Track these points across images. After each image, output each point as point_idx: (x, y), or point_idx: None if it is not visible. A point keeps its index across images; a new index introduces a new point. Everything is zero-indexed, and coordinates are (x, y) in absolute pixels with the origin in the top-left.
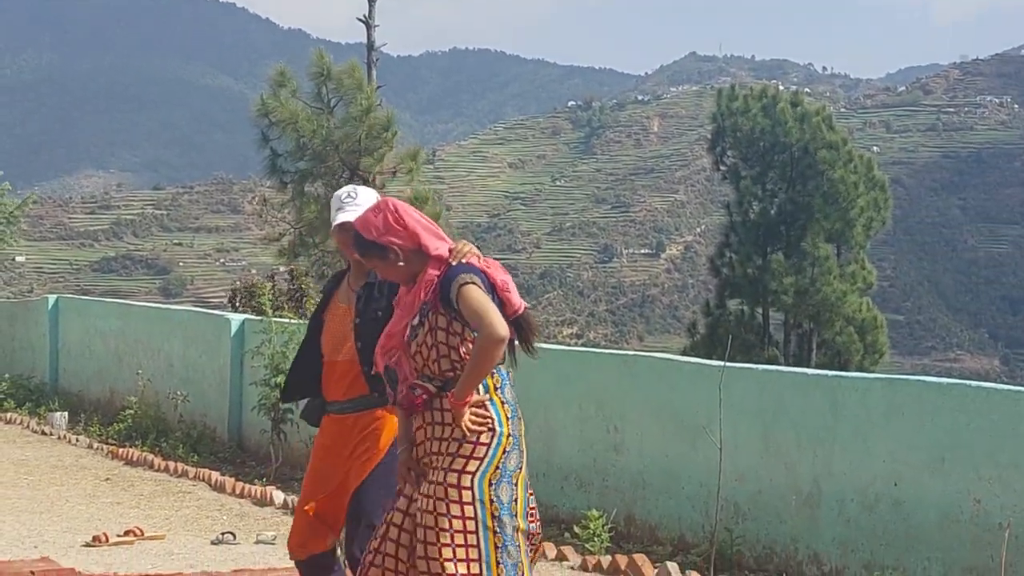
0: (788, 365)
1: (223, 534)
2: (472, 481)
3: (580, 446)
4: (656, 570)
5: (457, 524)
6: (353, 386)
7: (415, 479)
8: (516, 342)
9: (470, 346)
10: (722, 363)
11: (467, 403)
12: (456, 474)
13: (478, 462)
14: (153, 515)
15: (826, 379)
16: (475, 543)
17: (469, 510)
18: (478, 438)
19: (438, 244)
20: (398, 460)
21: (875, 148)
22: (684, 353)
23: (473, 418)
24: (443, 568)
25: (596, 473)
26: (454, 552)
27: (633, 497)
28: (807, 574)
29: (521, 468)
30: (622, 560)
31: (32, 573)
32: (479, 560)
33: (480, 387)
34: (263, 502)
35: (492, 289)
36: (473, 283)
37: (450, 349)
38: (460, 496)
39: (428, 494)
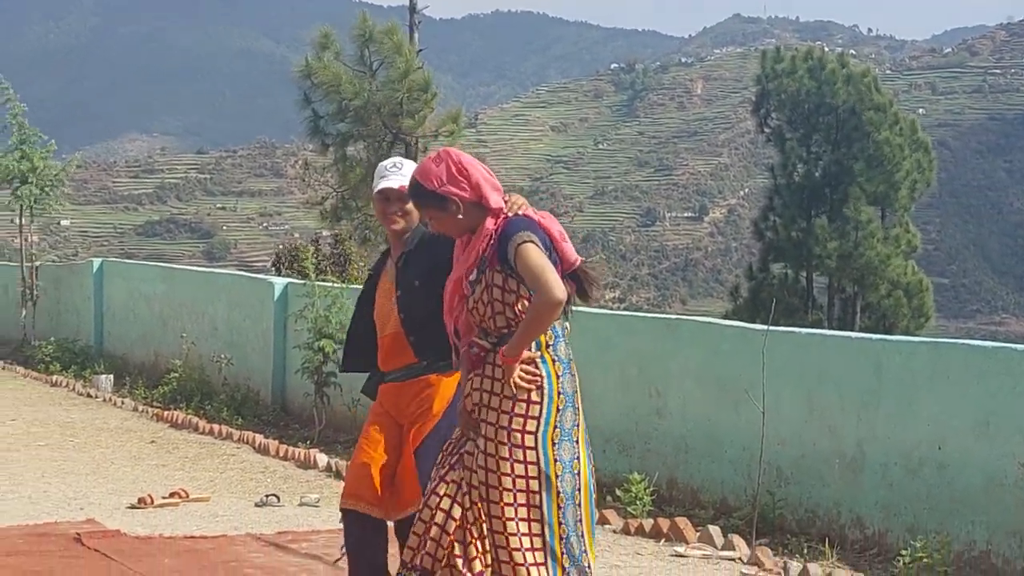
0: (832, 329)
1: (267, 496)
2: (535, 441)
3: (622, 410)
4: (698, 533)
5: (520, 484)
6: (402, 356)
7: (473, 431)
8: (574, 296)
9: (526, 303)
10: (765, 327)
11: (518, 360)
12: (519, 434)
13: (535, 421)
14: (198, 477)
15: (870, 343)
16: (537, 504)
17: (532, 470)
18: (529, 396)
19: (497, 197)
20: (459, 412)
21: (920, 110)
22: (727, 317)
23: (522, 375)
24: (505, 527)
25: (638, 437)
26: (516, 511)
27: (675, 461)
28: (850, 537)
29: (579, 425)
30: (664, 523)
31: (78, 534)
32: (540, 521)
33: (532, 344)
34: (307, 465)
35: (551, 244)
36: (531, 242)
37: (505, 306)
38: (524, 456)
39: (491, 452)
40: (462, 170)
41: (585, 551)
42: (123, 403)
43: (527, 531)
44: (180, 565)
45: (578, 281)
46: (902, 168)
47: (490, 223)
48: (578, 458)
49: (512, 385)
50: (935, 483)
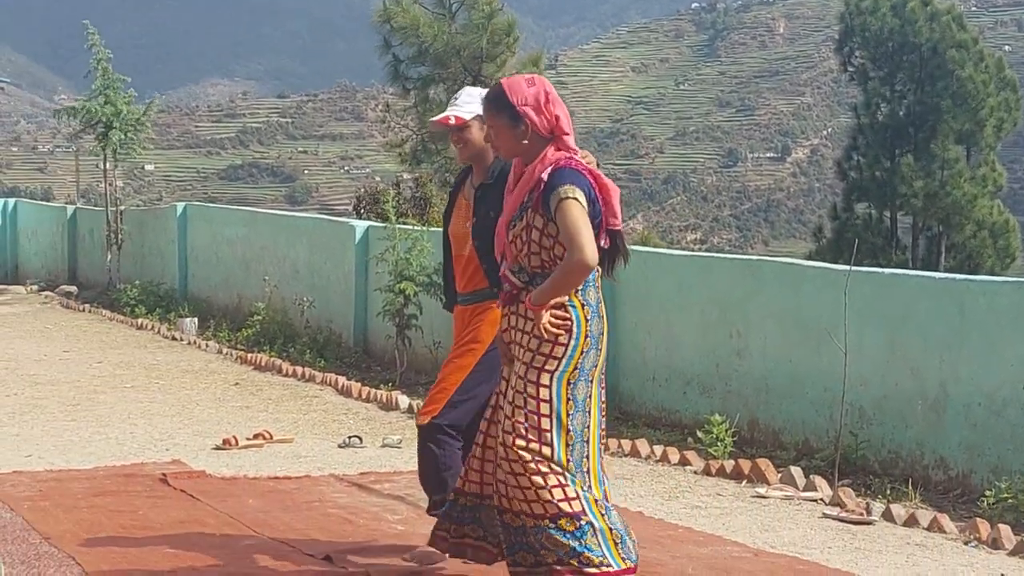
0: (917, 269)
1: (350, 438)
2: (551, 380)
3: (702, 351)
4: (780, 474)
5: (532, 419)
6: (473, 279)
7: (509, 363)
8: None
9: (561, 250)
10: (847, 267)
11: (543, 308)
12: (536, 371)
13: (556, 361)
14: (281, 419)
15: (954, 283)
16: (548, 441)
17: (545, 407)
18: (556, 338)
19: (572, 140)
20: (499, 342)
21: (1007, 47)
22: (810, 258)
23: (552, 320)
24: (519, 455)
25: (719, 378)
26: (527, 443)
27: (756, 402)
28: (933, 478)
29: (597, 366)
30: (745, 465)
31: (164, 475)
32: (551, 445)
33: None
34: (389, 406)
35: (596, 197)
36: (575, 199)
37: (541, 248)
38: (538, 392)
39: (517, 388)
40: (548, 103)
41: (590, 487)
42: (207, 346)
43: (540, 458)
44: (264, 505)
45: (614, 242)
46: (987, 106)
47: (551, 154)
48: (590, 397)
49: (542, 330)
50: (1019, 423)
